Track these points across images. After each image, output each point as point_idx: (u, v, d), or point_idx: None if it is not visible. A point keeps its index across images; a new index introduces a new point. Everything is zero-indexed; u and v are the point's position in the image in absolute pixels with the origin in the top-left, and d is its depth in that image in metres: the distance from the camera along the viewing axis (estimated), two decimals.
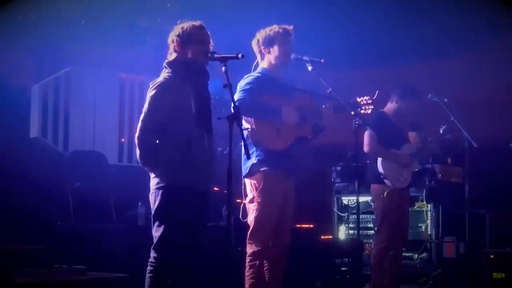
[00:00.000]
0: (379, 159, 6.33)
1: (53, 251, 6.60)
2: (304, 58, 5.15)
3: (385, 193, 6.32)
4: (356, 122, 5.15)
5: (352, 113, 5.13)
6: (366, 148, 6.31)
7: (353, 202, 9.02)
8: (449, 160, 8.70)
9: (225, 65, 4.23)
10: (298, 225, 8.32)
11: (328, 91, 5.11)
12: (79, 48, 10.15)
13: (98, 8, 9.41)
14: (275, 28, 5.17)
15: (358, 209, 5.70)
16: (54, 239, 6.93)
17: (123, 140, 9.95)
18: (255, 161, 4.97)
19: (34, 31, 9.46)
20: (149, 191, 4.46)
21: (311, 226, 8.56)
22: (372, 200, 6.61)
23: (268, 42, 5.18)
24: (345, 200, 9.16)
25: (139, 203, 7.37)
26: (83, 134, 9.60)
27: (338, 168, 9.24)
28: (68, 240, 6.95)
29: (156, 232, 4.32)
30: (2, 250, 5.76)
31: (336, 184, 9.23)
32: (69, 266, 5.84)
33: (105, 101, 9.82)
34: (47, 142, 9.36)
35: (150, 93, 4.38)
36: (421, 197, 8.38)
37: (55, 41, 9.99)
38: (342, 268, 7.90)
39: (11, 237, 6.75)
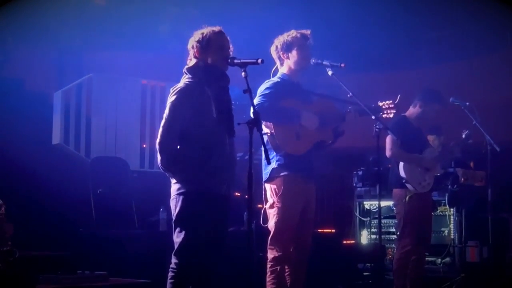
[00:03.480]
0: (401, 164, 6.30)
1: (76, 257, 6.63)
2: (324, 62, 5.14)
3: (407, 198, 6.28)
4: (377, 127, 5.13)
5: (373, 117, 5.11)
6: (388, 153, 6.28)
7: (375, 207, 8.97)
8: (471, 164, 8.64)
9: (244, 71, 4.23)
10: (320, 230, 8.31)
11: (348, 95, 5.09)
12: (100, 54, 10.22)
13: (119, 15, 9.46)
14: (293, 33, 5.16)
15: (379, 213, 5.65)
16: (77, 245, 6.97)
17: (144, 145, 9.96)
18: (275, 166, 4.97)
19: (56, 38, 9.53)
20: (170, 196, 4.46)
21: (333, 231, 8.55)
22: (394, 205, 6.58)
23: (287, 48, 5.17)
24: (367, 204, 9.12)
25: (161, 209, 7.38)
26: (105, 140, 9.61)
27: (360, 173, 9.21)
28: (90, 246, 6.98)
29: (177, 238, 4.32)
30: (26, 256, 5.79)
31: (358, 189, 9.20)
32: (91, 272, 5.87)
33: (126, 107, 9.83)
34: (69, 148, 9.39)
35: (171, 98, 4.39)
36: (444, 201, 8.32)
37: (77, 48, 10.06)
38: (364, 273, 7.87)
39: (34, 243, 6.79)
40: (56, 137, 9.35)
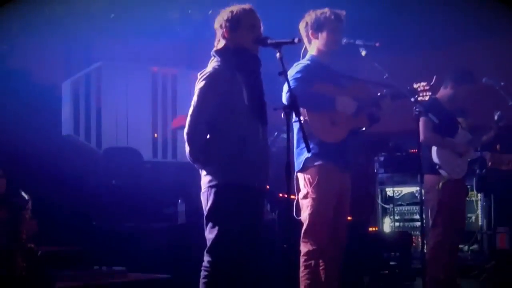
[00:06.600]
0: (434, 148, 5.99)
1: (91, 252, 6.41)
2: (357, 42, 4.81)
3: (440, 184, 5.98)
4: (417, 110, 4.81)
5: (412, 100, 4.79)
6: (422, 137, 5.93)
7: (397, 193, 8.78)
8: (498, 146, 8.34)
9: (279, 51, 3.90)
10: None
11: (384, 77, 4.77)
12: (109, 42, 9.94)
13: (127, 1, 9.18)
14: (327, 12, 4.79)
15: (421, 201, 5.30)
16: (91, 240, 6.75)
17: (156, 135, 9.69)
18: (309, 155, 4.62)
19: (63, 26, 9.27)
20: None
21: (355, 218, 8.24)
22: (426, 192, 6.25)
23: (317, 27, 4.82)
24: (389, 191, 8.88)
25: (179, 201, 7.07)
26: (116, 130, 9.37)
27: (381, 158, 8.96)
28: (105, 240, 6.76)
29: (210, 234, 3.99)
30: (42, 253, 5.54)
31: (379, 175, 8.95)
32: (109, 267, 5.66)
33: (137, 95, 9.59)
34: (80, 139, 9.16)
35: (199, 85, 4.05)
36: (470, 186, 8.04)
37: (85, 36, 9.78)
38: (391, 262, 7.56)
39: (47, 238, 6.55)
40: (66, 128, 9.13)
